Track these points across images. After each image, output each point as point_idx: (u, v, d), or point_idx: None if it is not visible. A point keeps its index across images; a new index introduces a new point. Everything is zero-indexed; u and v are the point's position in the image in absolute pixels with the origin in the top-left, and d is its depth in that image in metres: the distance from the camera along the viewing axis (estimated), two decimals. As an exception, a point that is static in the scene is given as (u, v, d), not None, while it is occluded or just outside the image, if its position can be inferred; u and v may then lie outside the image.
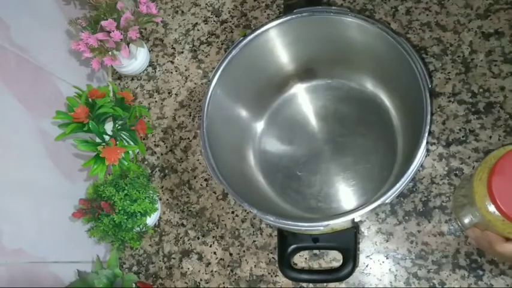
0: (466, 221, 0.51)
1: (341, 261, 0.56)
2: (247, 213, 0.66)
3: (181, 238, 0.68)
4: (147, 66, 0.77)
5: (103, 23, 0.65)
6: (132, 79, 0.78)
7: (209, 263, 0.66)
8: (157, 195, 0.70)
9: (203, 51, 0.75)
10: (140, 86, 0.77)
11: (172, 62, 0.77)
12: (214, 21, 0.76)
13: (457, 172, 0.59)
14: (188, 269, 0.66)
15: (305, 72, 0.65)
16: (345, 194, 0.61)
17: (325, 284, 0.60)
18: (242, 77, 0.60)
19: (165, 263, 0.68)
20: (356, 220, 0.49)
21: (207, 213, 0.68)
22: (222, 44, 0.75)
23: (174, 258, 0.67)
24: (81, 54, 0.65)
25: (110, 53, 0.67)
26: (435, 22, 0.65)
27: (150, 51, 0.78)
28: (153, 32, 0.79)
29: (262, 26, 0.57)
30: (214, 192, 0.68)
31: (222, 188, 0.68)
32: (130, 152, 0.68)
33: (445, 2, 0.65)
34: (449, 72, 0.63)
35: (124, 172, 0.66)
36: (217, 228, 0.67)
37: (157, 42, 0.78)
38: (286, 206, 0.62)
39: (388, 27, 0.65)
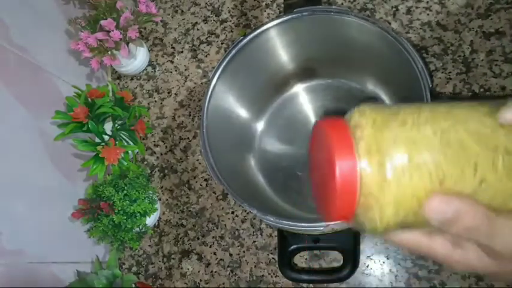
0: None
1: (341, 261, 0.56)
2: (247, 213, 0.66)
3: (181, 238, 0.68)
4: (147, 66, 0.77)
5: (102, 22, 0.64)
6: (132, 79, 0.78)
7: (209, 264, 0.65)
8: (157, 196, 0.70)
9: (203, 50, 0.75)
10: (140, 86, 0.77)
11: (172, 62, 0.76)
12: (214, 20, 0.76)
13: (458, 172, 0.59)
14: (188, 269, 0.66)
15: (305, 72, 0.65)
16: (345, 194, 0.61)
17: (325, 284, 0.60)
18: (242, 76, 0.60)
19: (164, 264, 0.67)
20: (356, 220, 0.49)
21: (207, 214, 0.67)
22: (221, 43, 0.75)
23: (173, 259, 0.67)
24: (80, 54, 0.65)
25: (109, 52, 0.67)
26: (436, 21, 0.65)
27: (149, 50, 0.78)
28: (153, 31, 0.79)
29: (262, 25, 0.57)
30: (214, 193, 0.68)
31: (222, 188, 0.67)
32: (129, 152, 0.68)
33: (446, 1, 0.65)
34: (450, 72, 0.62)
35: (123, 172, 0.66)
36: (217, 228, 0.66)
37: (157, 41, 0.78)
38: (286, 206, 0.62)
39: (389, 26, 0.65)
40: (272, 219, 0.50)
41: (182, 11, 0.78)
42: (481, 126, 0.25)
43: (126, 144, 0.67)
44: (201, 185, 0.69)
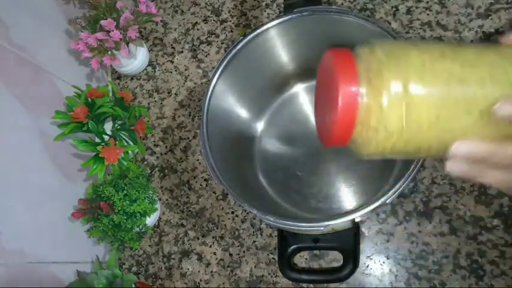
0: None
1: (341, 261, 0.56)
2: (247, 213, 0.66)
3: (181, 238, 0.68)
4: (147, 66, 0.77)
5: (102, 22, 0.64)
6: (132, 79, 0.78)
7: (209, 264, 0.65)
8: (157, 196, 0.70)
9: (203, 50, 0.75)
10: (140, 86, 0.77)
11: (172, 62, 0.76)
12: (214, 20, 0.76)
13: (458, 172, 0.59)
14: (188, 269, 0.66)
15: (305, 72, 0.65)
16: (345, 194, 0.61)
17: (325, 284, 0.60)
18: (242, 76, 0.60)
19: (164, 264, 0.67)
20: (356, 220, 0.49)
21: (207, 214, 0.67)
22: (222, 43, 0.75)
23: (173, 259, 0.67)
24: (80, 54, 0.65)
25: (109, 52, 0.67)
26: (436, 21, 0.65)
27: (149, 50, 0.78)
28: (153, 31, 0.79)
29: (262, 25, 0.57)
30: (214, 193, 0.68)
31: (222, 188, 0.67)
32: (129, 152, 0.68)
33: (446, 1, 0.65)
34: (450, 72, 0.62)
35: (123, 172, 0.66)
36: (217, 228, 0.66)
37: (157, 41, 0.78)
38: (286, 206, 0.62)
39: (389, 26, 0.65)
40: (272, 219, 0.50)
41: (182, 11, 0.78)
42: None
43: (126, 144, 0.67)
44: (201, 185, 0.69)
